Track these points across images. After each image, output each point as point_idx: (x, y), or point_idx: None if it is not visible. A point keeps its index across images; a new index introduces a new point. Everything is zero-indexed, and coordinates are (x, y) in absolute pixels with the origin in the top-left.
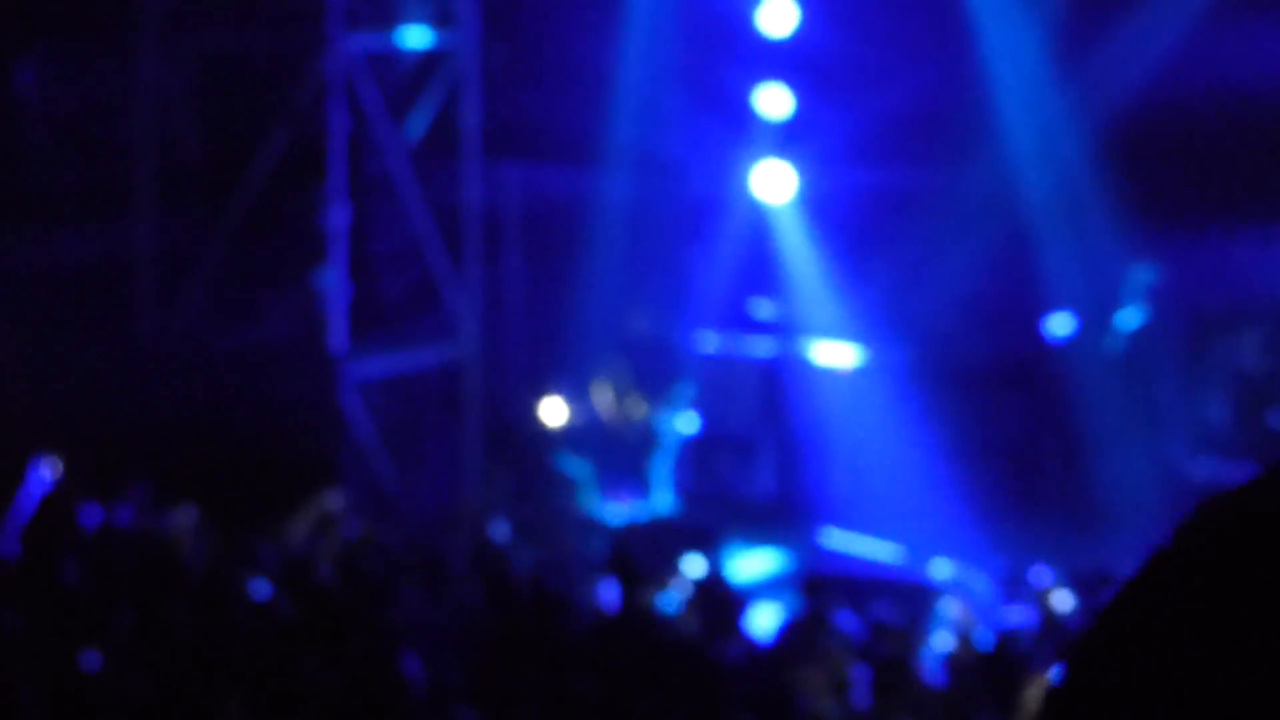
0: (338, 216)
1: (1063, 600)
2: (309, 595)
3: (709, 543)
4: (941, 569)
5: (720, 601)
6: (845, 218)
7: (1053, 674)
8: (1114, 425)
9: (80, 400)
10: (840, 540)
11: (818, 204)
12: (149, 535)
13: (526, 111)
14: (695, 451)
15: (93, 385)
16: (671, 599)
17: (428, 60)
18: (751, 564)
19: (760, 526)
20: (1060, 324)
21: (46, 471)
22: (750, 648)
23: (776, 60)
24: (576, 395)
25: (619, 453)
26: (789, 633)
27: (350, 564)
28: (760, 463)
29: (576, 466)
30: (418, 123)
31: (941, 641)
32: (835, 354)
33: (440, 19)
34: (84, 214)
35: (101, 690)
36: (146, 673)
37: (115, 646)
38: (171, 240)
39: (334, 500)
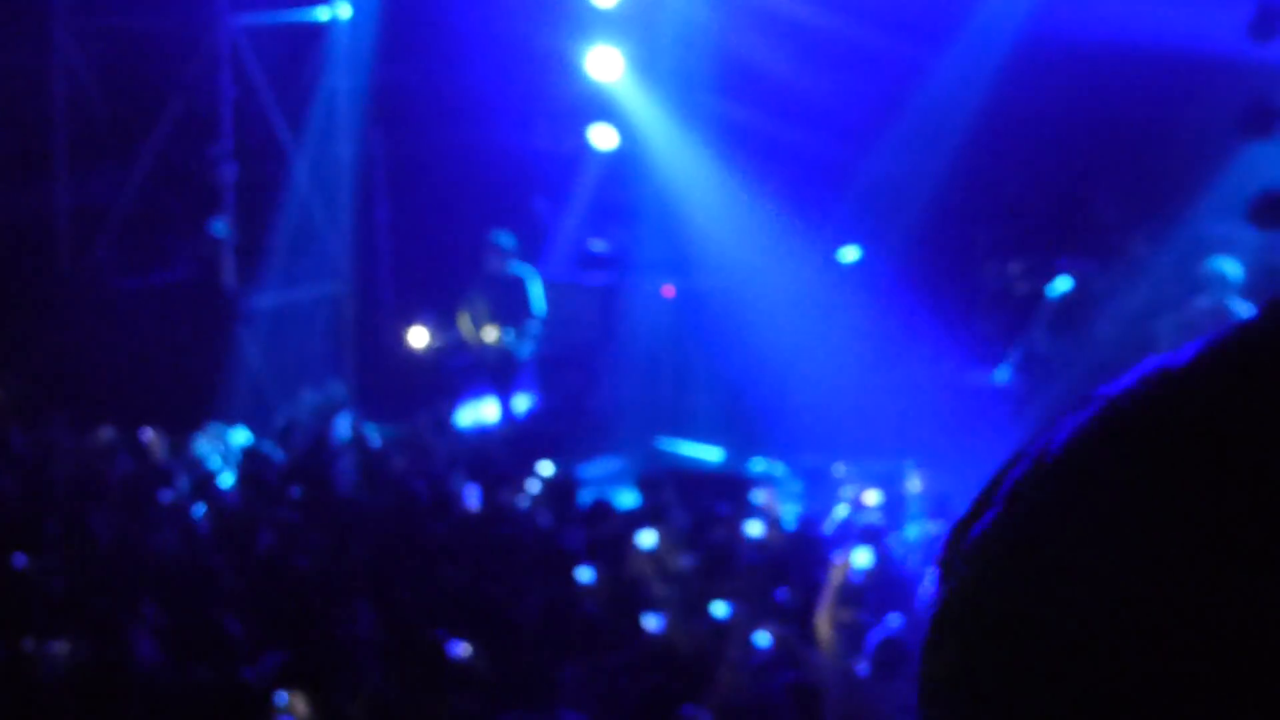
0: (227, 173)
1: (861, 492)
2: (212, 502)
3: (559, 448)
4: (757, 466)
5: (568, 499)
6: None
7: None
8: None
9: (8, 338)
10: (671, 445)
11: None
12: (72, 453)
13: (390, 77)
14: (545, 370)
15: (20, 324)
16: (526, 497)
17: (307, 33)
18: (595, 466)
19: (602, 433)
20: (848, 254)
21: None
22: (594, 538)
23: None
24: (442, 324)
25: (480, 372)
26: (627, 523)
27: (246, 473)
28: (600, 378)
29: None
30: (298, 89)
31: (755, 528)
32: (661, 284)
33: None
34: (7, 176)
35: (29, 586)
36: (71, 571)
37: (44, 549)
38: (84, 197)
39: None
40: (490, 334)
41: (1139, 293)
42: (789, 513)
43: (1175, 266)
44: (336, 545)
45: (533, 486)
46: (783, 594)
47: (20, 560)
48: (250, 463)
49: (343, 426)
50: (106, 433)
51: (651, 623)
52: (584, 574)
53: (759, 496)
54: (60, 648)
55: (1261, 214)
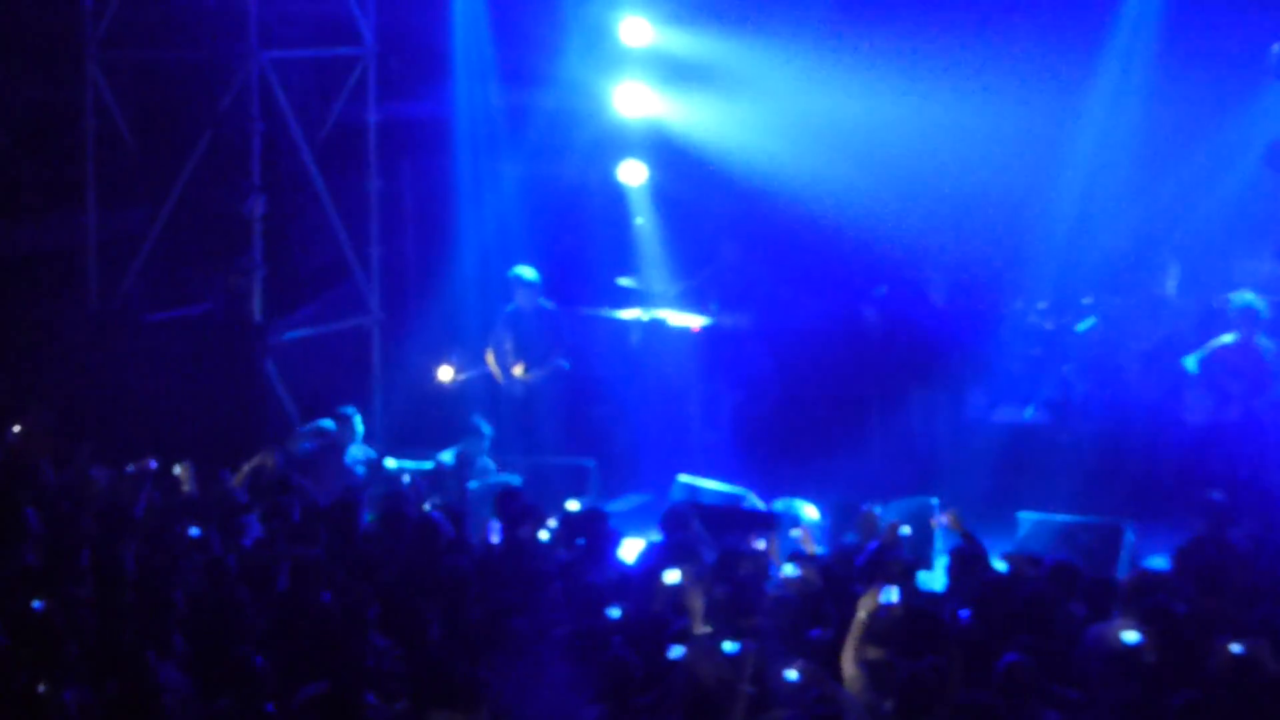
0: (256, 206)
1: (890, 530)
2: (239, 539)
3: (585, 484)
4: (784, 504)
5: (594, 534)
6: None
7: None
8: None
9: (38, 371)
10: (695, 481)
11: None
12: (99, 487)
13: (417, 112)
14: (572, 405)
15: (49, 357)
16: (551, 533)
17: (335, 67)
18: (621, 502)
19: (627, 468)
20: (880, 292)
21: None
22: (620, 573)
23: (635, 65)
24: (470, 360)
25: (507, 409)
26: (653, 559)
27: (275, 510)
28: (627, 415)
29: (478, 421)
30: (324, 123)
31: (788, 567)
32: (687, 320)
33: (342, 34)
34: (38, 209)
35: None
36: (101, 605)
37: (73, 584)
38: (114, 230)
39: (269, 456)
40: (517, 369)
41: (1164, 330)
42: (819, 550)
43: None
44: (360, 580)
45: (556, 522)
46: (813, 630)
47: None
48: (278, 497)
49: (357, 460)
50: (135, 466)
51: (676, 654)
52: (612, 611)
53: (794, 533)
54: (82, 692)
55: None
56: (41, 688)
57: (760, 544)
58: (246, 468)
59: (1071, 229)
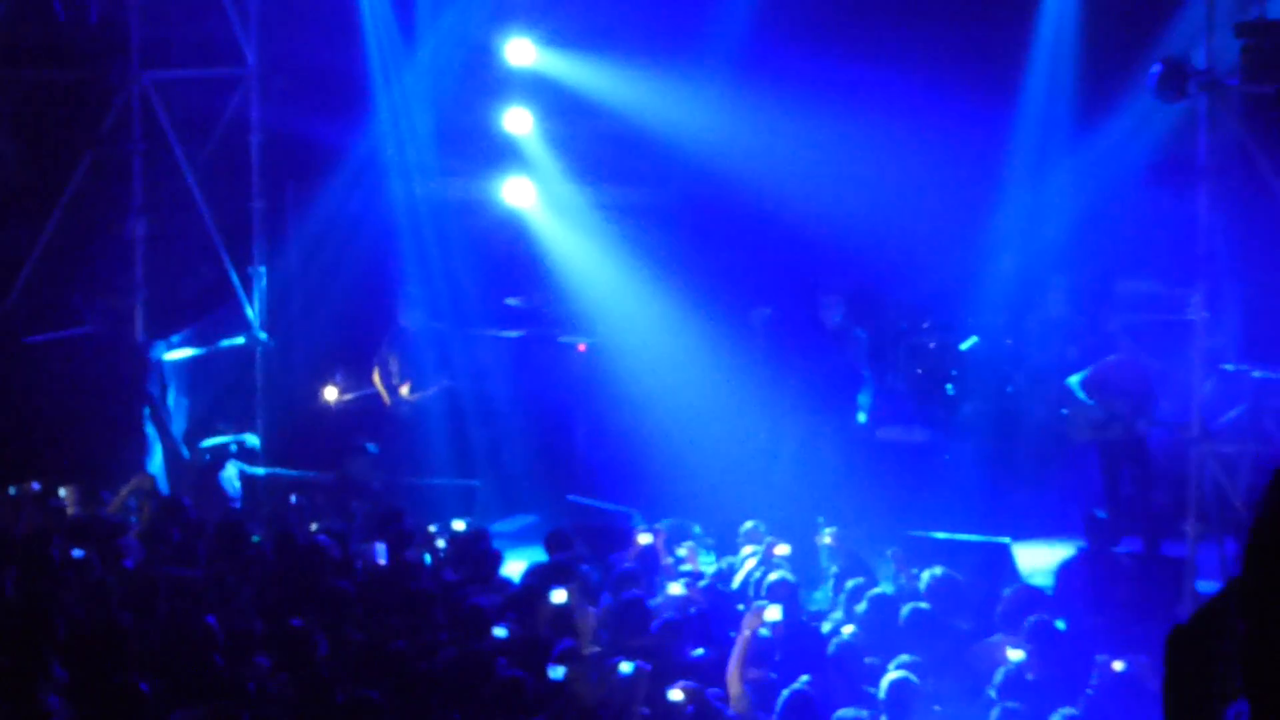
0: (137, 227)
1: (773, 548)
2: (120, 559)
3: (470, 504)
4: (669, 523)
5: (479, 554)
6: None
7: None
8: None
9: None
10: (581, 500)
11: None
12: None
13: (301, 132)
14: (459, 426)
15: None
16: (435, 554)
17: (219, 87)
18: (507, 522)
19: (513, 489)
20: (764, 314)
21: None
22: (504, 593)
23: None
24: (356, 380)
25: (393, 429)
26: (534, 579)
27: (156, 531)
28: (515, 434)
29: (363, 442)
30: (207, 144)
31: (674, 586)
32: (573, 340)
33: (225, 55)
34: None
35: None
36: None
37: None
38: None
39: (147, 477)
40: (404, 389)
41: (1050, 349)
42: (704, 569)
43: (1089, 322)
44: (245, 602)
45: (441, 543)
46: (697, 650)
47: None
48: (160, 518)
49: (231, 476)
50: (17, 488)
51: (559, 675)
52: (498, 631)
53: (680, 551)
54: None
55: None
56: None
57: (683, 552)
58: (125, 490)
59: (961, 248)
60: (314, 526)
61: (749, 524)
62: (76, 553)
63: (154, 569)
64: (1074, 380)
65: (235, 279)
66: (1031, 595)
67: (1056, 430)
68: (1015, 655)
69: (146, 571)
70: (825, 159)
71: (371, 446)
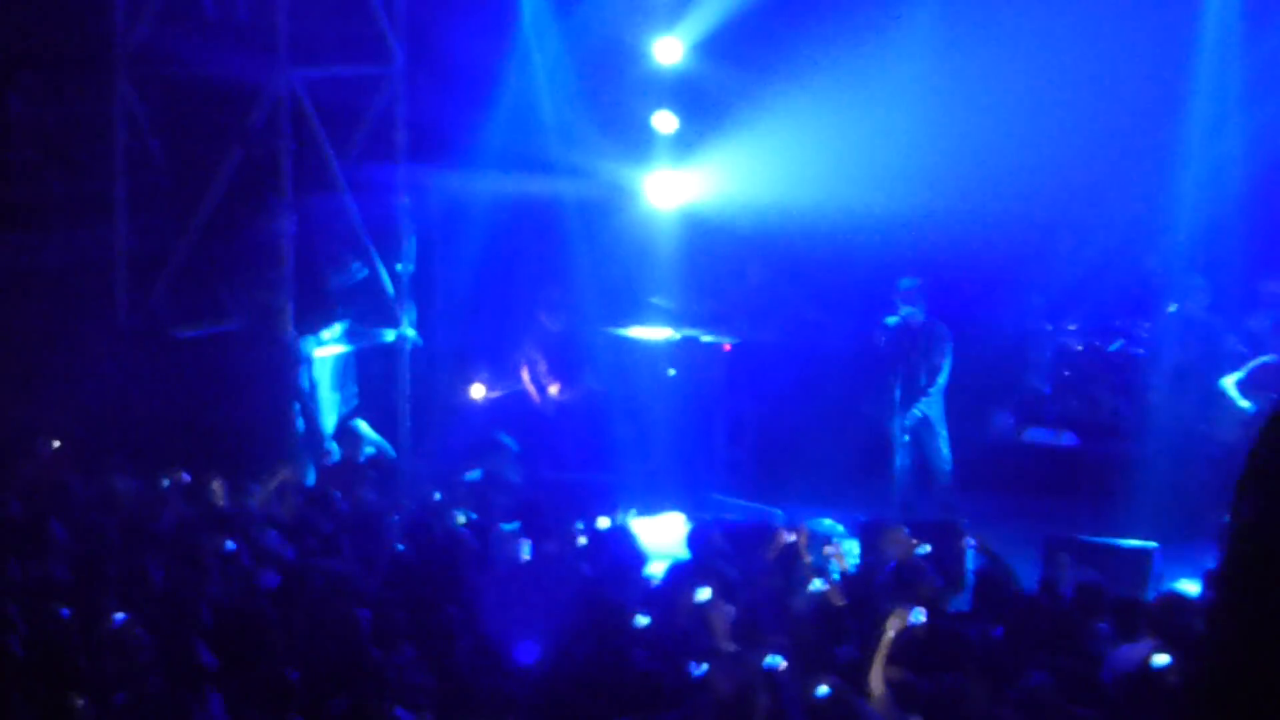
0: (286, 223)
1: (913, 547)
2: (267, 552)
3: (612, 502)
4: (813, 523)
5: (619, 551)
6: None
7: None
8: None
9: (67, 385)
10: (723, 500)
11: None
12: (130, 501)
13: (448, 128)
14: (604, 423)
15: (78, 371)
16: (580, 550)
17: (363, 86)
18: (648, 520)
19: (656, 487)
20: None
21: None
22: (646, 592)
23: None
24: (501, 378)
25: (538, 426)
26: (675, 576)
27: (303, 523)
28: (660, 432)
29: (504, 438)
30: (355, 140)
31: (817, 582)
32: (717, 341)
33: (373, 52)
34: (68, 224)
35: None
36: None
37: (101, 596)
38: (143, 245)
39: (294, 470)
40: (553, 389)
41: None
42: (849, 568)
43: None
44: (387, 593)
45: (583, 540)
46: (841, 648)
47: (78, 610)
48: (307, 510)
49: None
50: (165, 480)
51: (699, 672)
52: (640, 620)
53: (825, 550)
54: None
55: None
56: (81, 701)
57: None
58: (272, 483)
59: (1104, 249)
60: (460, 519)
61: (891, 525)
62: (228, 545)
63: (301, 561)
64: (1228, 381)
65: (384, 275)
66: (1177, 600)
67: (1201, 432)
68: (1160, 660)
69: (294, 563)
70: (967, 160)
71: (512, 442)
